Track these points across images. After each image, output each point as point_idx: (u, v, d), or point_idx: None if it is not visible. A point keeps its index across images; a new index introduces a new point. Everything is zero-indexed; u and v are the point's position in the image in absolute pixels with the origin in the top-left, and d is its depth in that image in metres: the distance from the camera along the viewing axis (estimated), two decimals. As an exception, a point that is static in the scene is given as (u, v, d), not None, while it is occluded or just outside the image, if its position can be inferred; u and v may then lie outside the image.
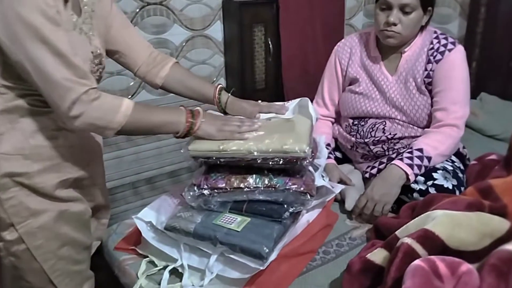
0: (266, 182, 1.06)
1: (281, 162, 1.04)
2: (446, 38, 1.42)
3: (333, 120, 1.66)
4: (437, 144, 1.35)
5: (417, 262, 0.81)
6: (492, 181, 1.09)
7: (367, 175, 1.47)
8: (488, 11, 2.29)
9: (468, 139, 1.89)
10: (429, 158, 1.33)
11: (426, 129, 1.42)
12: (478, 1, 2.31)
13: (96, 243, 1.27)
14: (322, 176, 1.30)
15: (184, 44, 2.42)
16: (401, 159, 1.33)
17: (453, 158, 1.45)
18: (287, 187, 1.06)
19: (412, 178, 1.30)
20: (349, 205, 1.34)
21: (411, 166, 1.31)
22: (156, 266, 1.11)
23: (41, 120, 0.99)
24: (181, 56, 2.42)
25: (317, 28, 2.62)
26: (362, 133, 1.50)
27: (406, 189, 1.33)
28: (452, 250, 0.87)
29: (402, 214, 1.21)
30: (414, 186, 1.31)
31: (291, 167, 1.07)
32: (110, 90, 2.22)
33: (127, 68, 1.24)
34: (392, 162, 1.34)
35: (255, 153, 1.03)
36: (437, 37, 1.43)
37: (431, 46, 1.42)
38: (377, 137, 1.46)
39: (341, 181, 1.42)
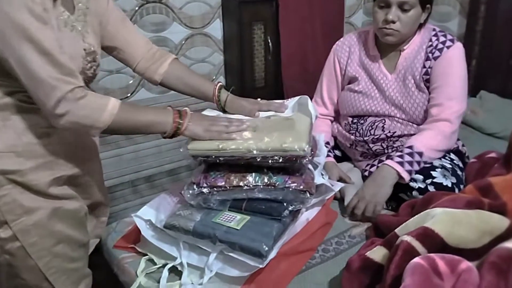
0: (266, 180, 1.06)
1: (280, 160, 1.04)
2: (444, 36, 1.42)
3: (332, 118, 1.66)
4: (427, 139, 1.35)
5: (416, 260, 0.81)
6: (491, 179, 1.09)
7: (366, 173, 1.47)
8: (487, 9, 2.29)
9: (468, 137, 1.90)
10: (420, 153, 1.33)
11: (420, 126, 1.42)
12: (478, -1, 2.31)
13: (94, 241, 1.27)
14: (322, 174, 1.30)
15: (183, 42, 2.41)
16: (392, 158, 1.33)
17: (452, 156, 1.45)
18: (286, 185, 1.05)
19: (405, 175, 1.30)
20: (347, 203, 1.34)
21: (401, 163, 1.31)
22: (155, 264, 1.11)
23: (33, 117, 0.99)
24: (181, 54, 2.42)
25: (317, 26, 2.61)
26: (361, 131, 1.50)
27: (405, 187, 1.33)
28: (451, 248, 0.87)
29: (402, 212, 1.21)
30: (413, 184, 1.31)
31: (290, 165, 1.07)
32: (109, 89, 2.21)
33: (125, 64, 1.23)
34: (383, 162, 1.35)
35: (255, 152, 1.03)
36: (436, 35, 1.43)
37: (430, 43, 1.42)
38: (377, 135, 1.46)
39: (340, 179, 1.42)
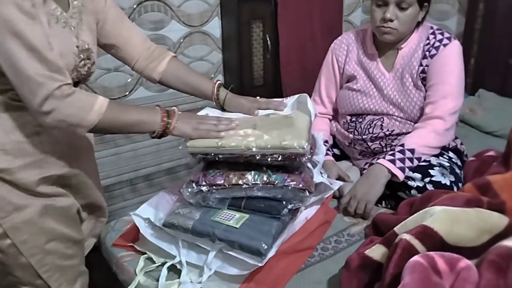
0: (265, 178, 1.06)
1: (279, 158, 1.04)
2: (442, 34, 1.42)
3: (330, 117, 1.66)
4: (419, 136, 1.36)
5: (415, 258, 0.81)
6: (490, 178, 1.09)
7: (365, 171, 1.47)
8: (486, 7, 2.29)
9: (466, 135, 1.90)
10: (411, 150, 1.33)
11: (415, 124, 1.42)
12: (476, -3, 2.31)
13: (92, 240, 1.27)
14: (321, 173, 1.31)
15: (181, 40, 2.41)
16: (384, 157, 1.34)
17: (451, 154, 1.45)
18: (285, 184, 1.05)
19: (397, 172, 1.30)
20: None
21: (392, 161, 1.31)
22: (154, 262, 1.11)
23: (23, 115, 0.98)
24: (179, 53, 2.41)
25: (316, 24, 2.61)
26: (360, 129, 1.50)
27: (404, 186, 1.33)
28: (450, 246, 0.87)
29: (401, 210, 1.21)
30: (411, 183, 1.31)
31: (289, 163, 1.07)
32: (107, 87, 2.21)
33: (124, 62, 1.23)
34: (376, 161, 1.35)
35: (254, 149, 1.03)
36: (433, 33, 1.43)
37: (427, 42, 1.42)
38: (375, 133, 1.46)
39: (339, 178, 1.43)
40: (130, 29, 1.22)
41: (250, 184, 1.06)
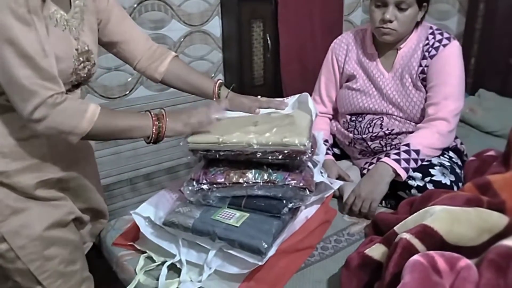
0: (265, 177, 1.06)
1: (280, 157, 1.04)
2: (441, 34, 1.42)
3: (330, 116, 1.66)
4: (424, 137, 1.36)
5: (415, 257, 0.81)
6: (490, 177, 1.09)
7: (365, 171, 1.47)
8: (487, 7, 2.29)
9: (467, 135, 1.90)
10: (417, 151, 1.33)
11: (418, 125, 1.42)
12: (476, -3, 2.31)
13: (91, 240, 1.27)
14: (321, 173, 1.30)
15: (182, 39, 2.41)
16: (388, 156, 1.33)
17: (451, 154, 1.45)
18: (286, 183, 1.05)
19: (401, 172, 1.30)
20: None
21: (398, 161, 1.31)
22: (154, 261, 1.11)
23: (22, 118, 0.95)
24: (179, 52, 2.41)
25: (316, 24, 2.61)
26: (359, 129, 1.50)
27: (404, 185, 1.33)
28: (451, 246, 0.87)
29: (401, 210, 1.21)
30: (411, 182, 1.31)
31: (290, 162, 1.07)
32: (107, 86, 2.21)
33: (126, 62, 1.23)
34: (380, 160, 1.35)
35: (255, 146, 1.03)
36: (432, 33, 1.43)
37: (427, 42, 1.42)
38: (375, 132, 1.46)
39: (339, 177, 1.43)
40: (133, 28, 1.21)
41: (250, 182, 1.06)
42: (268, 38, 2.45)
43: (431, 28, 1.45)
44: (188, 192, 1.09)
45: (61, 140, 0.95)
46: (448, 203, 1.00)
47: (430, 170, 1.32)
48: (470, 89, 2.35)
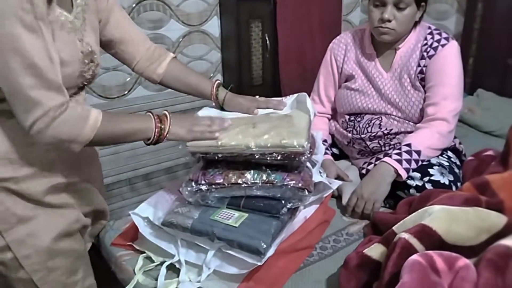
0: (264, 177, 1.06)
1: (279, 157, 1.04)
2: (440, 34, 1.43)
3: (329, 116, 1.66)
4: (425, 138, 1.36)
5: (414, 257, 0.81)
6: (488, 177, 1.09)
7: (363, 171, 1.47)
8: (485, 7, 2.30)
9: (465, 135, 1.90)
10: (418, 152, 1.33)
11: (417, 124, 1.42)
12: (475, -3, 2.32)
13: (90, 241, 1.26)
14: (320, 172, 1.30)
15: (180, 39, 2.41)
16: (390, 156, 1.33)
17: (450, 153, 1.45)
18: (285, 183, 1.05)
19: (402, 173, 1.30)
20: (345, 201, 1.34)
21: (399, 161, 1.31)
22: (153, 261, 1.11)
23: (23, 128, 0.93)
24: (178, 52, 2.41)
25: (314, 24, 2.62)
26: (358, 129, 1.50)
27: (403, 185, 1.33)
28: (449, 245, 0.88)
29: (399, 209, 1.21)
30: (410, 182, 1.32)
31: (289, 162, 1.07)
32: (106, 86, 2.21)
33: (124, 63, 1.22)
34: (381, 160, 1.35)
35: (254, 148, 1.03)
36: (431, 33, 1.43)
37: (425, 42, 1.42)
38: (374, 132, 1.46)
39: (338, 177, 1.43)
40: (132, 29, 1.20)
41: (249, 183, 1.06)
42: (266, 38, 2.45)
43: (429, 28, 1.45)
44: (187, 192, 1.09)
45: (64, 149, 0.94)
46: (446, 202, 1.00)
47: (429, 170, 1.32)
48: (469, 89, 2.35)
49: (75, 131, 0.91)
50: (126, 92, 2.30)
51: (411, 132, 1.43)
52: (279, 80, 2.56)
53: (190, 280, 1.03)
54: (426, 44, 1.42)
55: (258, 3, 2.40)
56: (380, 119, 1.47)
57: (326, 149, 1.51)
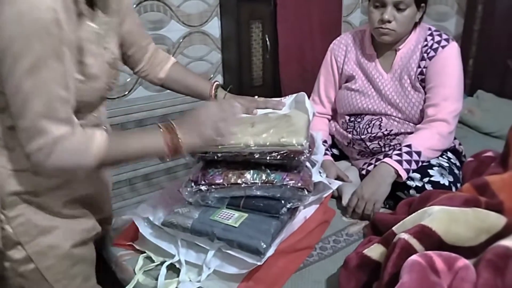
0: (264, 177, 1.06)
1: (278, 157, 1.04)
2: (440, 35, 1.43)
3: (329, 117, 1.67)
4: (425, 139, 1.36)
5: (414, 257, 0.82)
6: (488, 178, 1.09)
7: (363, 172, 1.47)
8: (485, 8, 2.30)
9: (465, 136, 1.91)
10: (418, 153, 1.33)
11: (417, 125, 1.43)
12: (475, -2, 2.32)
13: None
14: (320, 173, 1.31)
15: (181, 40, 2.41)
16: (390, 157, 1.34)
17: (449, 154, 1.45)
18: (284, 183, 1.06)
19: (403, 173, 1.30)
20: (345, 202, 1.35)
21: (400, 162, 1.31)
22: (153, 261, 1.11)
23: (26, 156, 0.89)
24: (178, 53, 2.42)
25: (315, 25, 2.62)
26: (358, 129, 1.50)
27: (403, 186, 1.33)
28: (449, 246, 0.88)
29: (399, 210, 1.21)
30: (410, 183, 1.32)
31: (288, 162, 1.07)
32: (107, 86, 2.21)
33: (126, 65, 1.20)
34: (382, 160, 1.35)
35: (253, 147, 1.03)
36: (431, 34, 1.44)
37: (425, 43, 1.43)
38: (374, 133, 1.46)
39: (338, 178, 1.43)
40: (142, 34, 1.17)
41: (249, 183, 1.06)
42: (267, 39, 2.45)
43: (429, 29, 1.46)
44: (186, 193, 1.10)
45: (69, 176, 0.92)
46: (446, 203, 1.00)
47: (429, 170, 1.33)
48: (469, 90, 2.35)
49: (78, 160, 0.85)
50: (126, 92, 2.31)
51: (411, 133, 1.43)
52: (279, 80, 2.57)
53: (190, 280, 1.03)
54: (426, 45, 1.42)
55: (259, 4, 2.40)
56: (380, 120, 1.47)
57: (326, 149, 1.51)
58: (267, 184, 1.06)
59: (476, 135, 2.03)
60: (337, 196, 1.39)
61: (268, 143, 1.03)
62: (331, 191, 1.26)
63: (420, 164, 1.33)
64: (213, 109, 0.97)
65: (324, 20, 2.65)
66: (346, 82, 1.57)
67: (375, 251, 0.97)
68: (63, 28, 0.78)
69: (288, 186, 1.05)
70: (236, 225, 1.03)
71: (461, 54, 1.44)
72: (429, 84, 1.40)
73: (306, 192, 1.08)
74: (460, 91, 1.42)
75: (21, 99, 0.79)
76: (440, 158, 1.40)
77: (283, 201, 1.06)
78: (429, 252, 0.83)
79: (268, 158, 1.05)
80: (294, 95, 1.24)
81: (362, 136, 1.48)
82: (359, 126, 1.50)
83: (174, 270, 1.07)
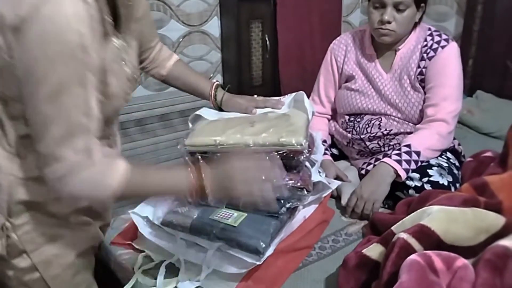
0: (263, 177, 1.06)
1: (278, 157, 1.04)
2: (439, 35, 1.43)
3: (329, 117, 1.67)
4: (424, 138, 1.36)
5: (413, 256, 0.82)
6: (487, 178, 1.10)
7: (363, 171, 1.47)
8: (485, 9, 2.30)
9: (464, 136, 1.91)
10: (417, 153, 1.33)
11: (417, 125, 1.43)
12: (475, -1, 2.32)
13: None
14: (319, 172, 1.31)
15: (181, 40, 2.41)
16: (390, 156, 1.34)
17: (449, 154, 1.45)
18: (284, 183, 1.05)
19: (402, 173, 1.31)
20: (345, 201, 1.35)
21: (399, 162, 1.31)
22: (152, 261, 1.11)
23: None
24: (178, 52, 2.42)
25: (314, 25, 2.62)
26: (358, 129, 1.50)
27: (402, 186, 1.33)
28: (447, 245, 0.88)
29: (398, 210, 1.22)
30: (409, 183, 1.32)
31: (288, 162, 1.07)
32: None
33: None
34: (381, 160, 1.35)
35: (252, 146, 1.03)
36: (431, 34, 1.44)
37: (425, 43, 1.43)
38: (373, 133, 1.46)
39: (337, 178, 1.43)
40: (155, 35, 1.16)
41: (248, 183, 1.06)
42: (266, 39, 2.45)
43: (429, 29, 1.46)
44: (186, 192, 1.09)
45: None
46: (445, 203, 1.00)
47: (428, 170, 1.33)
48: (468, 90, 2.36)
49: (95, 192, 0.82)
50: (126, 91, 2.30)
51: (410, 133, 1.43)
52: (279, 80, 2.57)
53: (189, 280, 1.03)
54: (426, 45, 1.42)
55: (258, 4, 2.40)
56: (379, 119, 1.47)
57: (326, 149, 1.51)
58: (267, 184, 1.06)
59: (476, 135, 2.03)
60: (336, 196, 1.39)
61: (267, 143, 1.03)
62: (331, 190, 1.26)
63: (419, 164, 1.34)
64: (251, 167, 0.88)
65: (324, 20, 2.65)
66: (346, 82, 1.57)
67: (374, 250, 0.97)
68: (88, 53, 0.74)
69: (288, 186, 1.05)
70: (236, 225, 1.03)
71: (460, 54, 1.44)
72: (428, 84, 1.41)
73: (306, 192, 1.08)
74: (459, 91, 1.42)
75: (41, 123, 0.76)
76: (439, 158, 1.40)
77: (282, 201, 1.06)
78: (428, 252, 0.84)
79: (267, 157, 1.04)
80: (293, 94, 1.24)
81: (362, 136, 1.48)
82: (358, 126, 1.50)
83: (173, 269, 1.07)
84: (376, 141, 1.47)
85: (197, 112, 1.22)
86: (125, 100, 0.96)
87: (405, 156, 1.33)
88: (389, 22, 1.36)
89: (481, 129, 2.05)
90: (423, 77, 1.42)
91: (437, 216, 0.91)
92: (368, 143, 1.48)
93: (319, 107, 1.63)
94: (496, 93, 2.27)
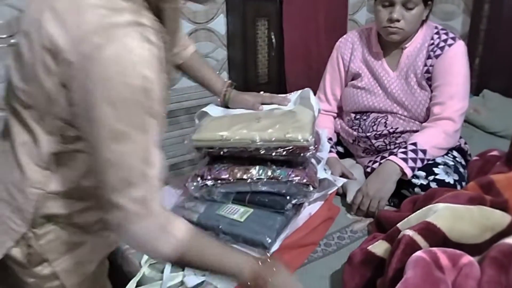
0: (269, 173, 1.07)
1: (284, 153, 1.05)
2: (446, 34, 1.43)
3: (335, 115, 1.67)
4: (431, 137, 1.36)
5: (418, 253, 0.82)
6: (493, 177, 1.10)
7: (368, 169, 1.47)
8: (491, 8, 2.29)
9: (470, 135, 1.90)
10: (423, 151, 1.33)
11: (423, 124, 1.43)
12: (481, -2, 2.31)
13: None
14: (324, 170, 1.31)
15: (187, 37, 2.41)
16: (396, 154, 1.34)
17: (455, 153, 1.45)
18: (290, 179, 1.06)
19: (408, 171, 1.31)
20: (350, 199, 1.35)
21: (405, 160, 1.31)
22: (158, 255, 1.11)
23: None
24: (184, 49, 2.42)
25: (320, 23, 2.62)
26: (364, 127, 1.50)
27: (408, 184, 1.33)
28: (453, 243, 0.88)
29: (404, 208, 1.22)
30: (415, 181, 1.32)
31: (294, 158, 1.08)
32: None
33: None
34: (387, 158, 1.35)
35: (258, 142, 1.03)
36: (437, 33, 1.44)
37: (432, 41, 1.42)
38: (379, 131, 1.47)
39: (343, 175, 1.43)
40: (181, 29, 1.14)
41: (254, 178, 1.07)
42: (272, 36, 2.45)
43: (436, 27, 1.45)
44: (192, 187, 1.10)
45: None
46: (451, 201, 1.00)
47: (434, 169, 1.33)
48: (475, 89, 2.34)
49: (155, 244, 0.78)
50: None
51: (416, 131, 1.43)
52: (284, 78, 2.57)
53: (195, 274, 1.04)
54: (433, 43, 1.42)
55: (265, 2, 2.40)
56: (386, 117, 1.47)
57: (331, 147, 1.51)
58: (273, 180, 1.07)
59: (482, 134, 2.02)
60: (341, 193, 1.39)
61: (273, 138, 1.03)
62: (336, 188, 1.27)
63: (425, 162, 1.34)
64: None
65: (330, 18, 2.65)
66: (352, 80, 1.57)
67: (379, 247, 0.97)
68: (152, 97, 0.69)
69: (294, 182, 1.06)
70: (242, 220, 1.04)
71: (467, 53, 1.43)
72: (435, 82, 1.40)
73: (311, 188, 1.09)
74: (466, 89, 1.42)
75: (98, 165, 0.73)
76: (445, 156, 1.40)
77: (288, 197, 1.07)
78: (434, 249, 0.84)
79: (273, 154, 1.05)
80: (299, 91, 1.25)
81: (368, 134, 1.48)
82: (364, 124, 1.50)
83: (179, 263, 1.08)
84: (382, 139, 1.47)
85: (204, 109, 1.22)
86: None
87: (411, 154, 1.33)
88: (398, 20, 1.36)
89: (487, 128, 2.05)
90: (429, 75, 1.41)
91: (443, 214, 0.91)
92: (374, 141, 1.48)
93: (325, 105, 1.63)
94: (503, 92, 2.26)
